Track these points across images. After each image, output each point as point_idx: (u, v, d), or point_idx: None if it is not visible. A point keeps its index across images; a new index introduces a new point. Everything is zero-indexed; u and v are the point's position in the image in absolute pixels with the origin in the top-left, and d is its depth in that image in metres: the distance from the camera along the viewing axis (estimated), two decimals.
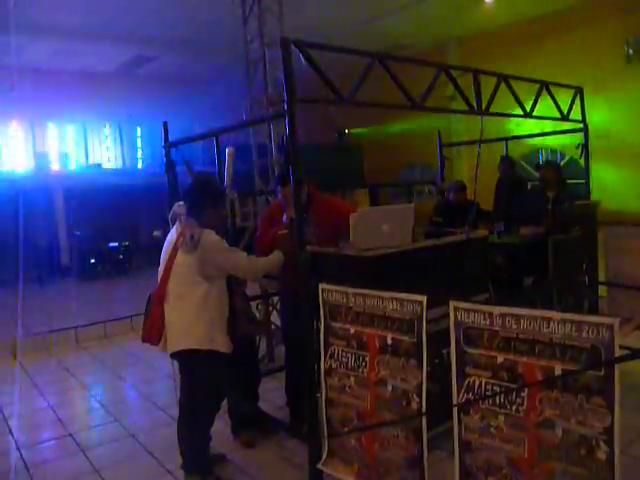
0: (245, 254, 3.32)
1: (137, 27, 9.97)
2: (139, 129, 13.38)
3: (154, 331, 3.27)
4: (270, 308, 6.23)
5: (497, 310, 2.21)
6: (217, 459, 3.72)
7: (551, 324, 2.04)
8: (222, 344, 3.28)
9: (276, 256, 3.41)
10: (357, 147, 15.11)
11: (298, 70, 2.91)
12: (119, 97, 12.57)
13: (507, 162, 7.26)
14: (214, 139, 4.36)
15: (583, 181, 5.51)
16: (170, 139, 4.38)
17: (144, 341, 3.34)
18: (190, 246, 3.14)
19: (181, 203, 3.98)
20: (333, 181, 4.35)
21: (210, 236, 3.19)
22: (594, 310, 4.88)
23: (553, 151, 11.41)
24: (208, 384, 3.32)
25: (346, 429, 2.89)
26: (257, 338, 5.19)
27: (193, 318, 3.20)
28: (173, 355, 3.30)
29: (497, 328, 2.20)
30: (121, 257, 12.38)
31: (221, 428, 4.29)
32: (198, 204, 3.28)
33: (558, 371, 2.02)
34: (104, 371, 5.94)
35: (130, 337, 7.25)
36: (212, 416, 3.47)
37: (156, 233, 12.83)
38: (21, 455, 4.08)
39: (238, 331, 3.53)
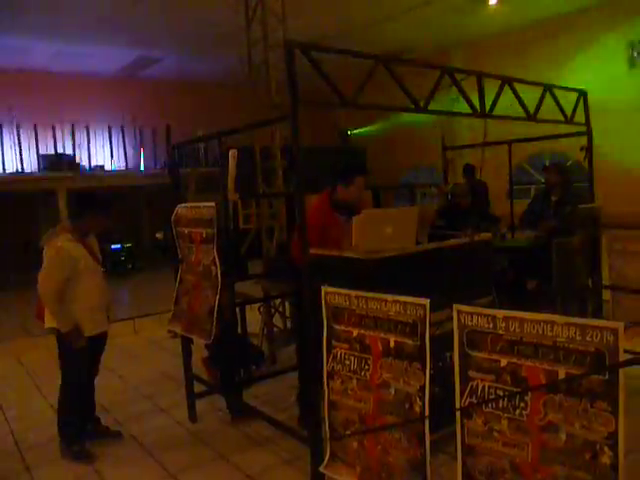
0: (56, 280, 3.76)
1: (141, 29, 9.98)
2: (142, 131, 13.37)
3: (41, 312, 4.00)
4: (272, 310, 6.23)
5: (500, 313, 2.20)
6: (107, 433, 4.27)
7: (555, 328, 2.02)
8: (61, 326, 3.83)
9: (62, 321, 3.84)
10: (361, 149, 15.12)
11: (301, 72, 2.91)
12: (122, 99, 12.60)
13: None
14: (217, 141, 4.36)
15: (587, 184, 5.49)
16: (173, 141, 4.38)
17: (37, 318, 4.06)
18: (42, 244, 3.83)
19: (184, 205, 4.02)
20: (336, 183, 4.37)
21: (56, 243, 3.77)
22: (598, 314, 4.87)
23: (557, 154, 11.38)
24: (64, 358, 3.97)
25: (348, 432, 2.87)
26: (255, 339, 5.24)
27: None
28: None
29: (501, 331, 2.18)
30: (123, 259, 12.38)
31: (223, 428, 4.31)
32: (77, 211, 4.00)
33: (562, 375, 2.01)
34: (105, 372, 5.89)
35: (132, 338, 7.27)
36: (74, 389, 4.00)
37: (158, 235, 12.84)
38: (22, 456, 4.08)
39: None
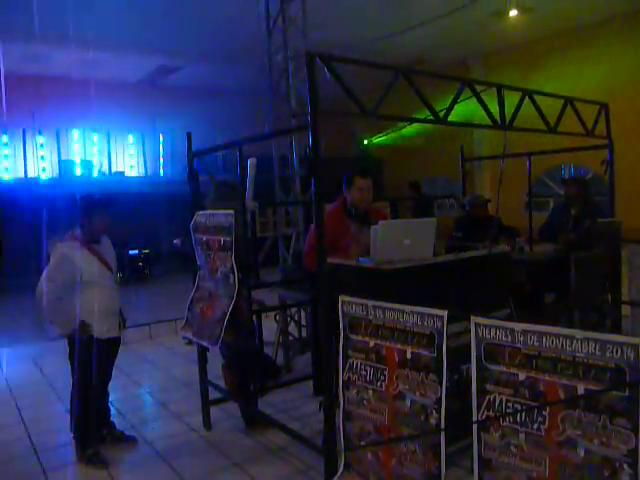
0: (53, 284, 3.80)
1: (162, 38, 10.10)
2: (162, 138, 13.50)
3: None
4: (288, 319, 6.23)
5: (519, 327, 2.18)
6: (122, 438, 4.28)
7: (574, 342, 2.01)
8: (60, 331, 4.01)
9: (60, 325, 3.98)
10: (377, 159, 15.15)
11: (319, 82, 2.93)
12: (143, 106, 12.72)
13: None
14: (237, 149, 4.38)
15: (606, 198, 5.44)
16: (193, 149, 4.42)
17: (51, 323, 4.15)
18: (49, 250, 3.95)
19: (202, 212, 4.06)
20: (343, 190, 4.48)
21: (59, 249, 3.88)
22: (616, 329, 4.81)
23: (576, 166, 11.29)
24: (76, 362, 3.98)
25: (363, 443, 2.87)
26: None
27: None
28: None
29: (519, 345, 2.17)
30: (141, 264, 12.45)
31: (237, 436, 4.31)
32: (80, 218, 3.98)
33: (581, 390, 1.99)
34: (121, 378, 5.95)
35: (147, 344, 7.31)
36: (86, 393, 3.96)
37: (176, 241, 12.89)
38: (39, 459, 4.11)
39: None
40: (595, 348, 1.95)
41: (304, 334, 6.40)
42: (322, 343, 3.11)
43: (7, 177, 11.72)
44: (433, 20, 9.74)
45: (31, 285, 4.06)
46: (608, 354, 1.91)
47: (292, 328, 6.38)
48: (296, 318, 6.43)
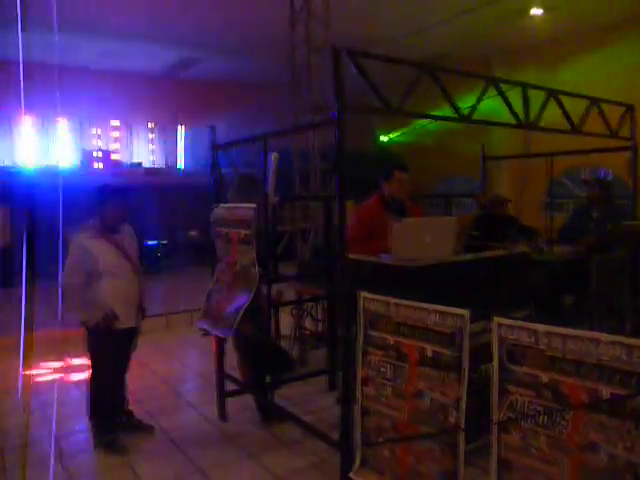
0: (76, 274, 3.91)
1: (185, 30, 10.12)
2: (182, 130, 13.53)
3: None
4: (305, 314, 6.24)
5: (542, 328, 2.17)
6: (139, 426, 4.32)
7: (599, 346, 1.99)
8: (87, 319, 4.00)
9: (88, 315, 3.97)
10: (395, 156, 15.08)
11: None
12: (164, 98, 12.77)
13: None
14: (258, 142, 4.39)
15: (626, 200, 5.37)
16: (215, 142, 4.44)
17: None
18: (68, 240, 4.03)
19: (223, 205, 4.07)
20: (371, 190, 4.47)
21: (77, 239, 3.96)
22: (636, 333, 4.75)
23: (595, 168, 11.16)
24: (93, 352, 4.08)
25: (380, 439, 2.87)
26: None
27: None
28: None
29: (542, 347, 2.16)
30: (159, 255, 12.51)
31: (252, 428, 4.34)
32: (96, 208, 4.08)
33: (605, 394, 1.97)
34: (137, 367, 5.99)
35: (164, 334, 7.37)
36: (103, 383, 4.07)
37: (193, 233, 12.95)
38: (56, 444, 4.16)
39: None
40: (621, 352, 1.93)
41: (320, 329, 6.40)
42: (341, 338, 3.11)
43: (28, 165, 11.82)
44: (456, 17, 9.66)
45: (50, 274, 4.13)
46: (635, 359, 1.90)
47: (308, 322, 6.39)
48: (312, 313, 6.44)
